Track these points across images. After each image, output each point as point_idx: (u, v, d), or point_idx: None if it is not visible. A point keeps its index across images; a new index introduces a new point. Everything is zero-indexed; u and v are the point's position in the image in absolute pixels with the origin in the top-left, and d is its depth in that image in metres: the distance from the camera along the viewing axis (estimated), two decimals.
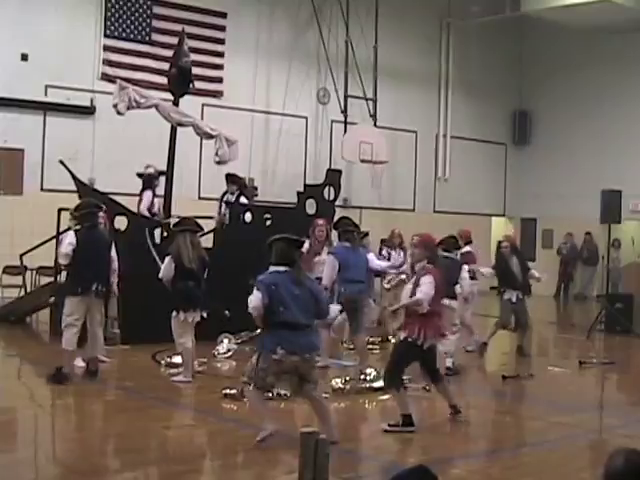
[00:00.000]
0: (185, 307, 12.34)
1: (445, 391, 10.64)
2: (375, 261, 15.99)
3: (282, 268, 8.87)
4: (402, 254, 17.59)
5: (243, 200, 17.42)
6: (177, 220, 13.57)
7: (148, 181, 16.87)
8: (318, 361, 9.60)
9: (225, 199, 17.46)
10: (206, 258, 12.68)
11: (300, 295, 8.79)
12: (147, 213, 16.73)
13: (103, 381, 12.49)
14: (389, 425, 9.87)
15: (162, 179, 17.15)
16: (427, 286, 9.86)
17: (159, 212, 16.92)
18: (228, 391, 11.23)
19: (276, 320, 8.72)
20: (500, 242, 16.45)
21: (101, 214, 13.12)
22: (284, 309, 8.70)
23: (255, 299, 8.74)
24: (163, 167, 17.05)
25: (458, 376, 13.71)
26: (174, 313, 12.35)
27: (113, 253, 12.58)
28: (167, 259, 12.48)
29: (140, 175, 16.99)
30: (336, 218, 15.24)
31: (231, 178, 17.51)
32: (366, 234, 16.75)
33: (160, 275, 12.49)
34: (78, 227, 12.32)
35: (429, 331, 9.88)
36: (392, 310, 11.53)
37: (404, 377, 12.37)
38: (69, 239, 12.20)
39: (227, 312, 13.70)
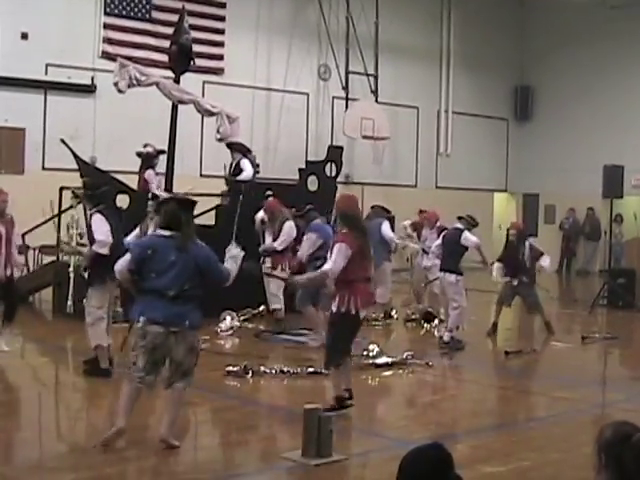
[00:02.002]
0: None
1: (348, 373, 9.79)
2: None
3: (167, 232, 8.06)
4: None
5: (246, 165, 17.10)
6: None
7: (147, 160, 16.75)
8: (196, 342, 8.18)
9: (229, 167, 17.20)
10: None
11: (177, 263, 7.90)
12: (160, 192, 16.47)
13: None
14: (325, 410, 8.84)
15: (162, 157, 17.09)
16: (334, 256, 9.17)
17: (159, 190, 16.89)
18: (231, 368, 11.26)
19: (146, 287, 7.98)
20: (508, 230, 16.43)
21: None
22: (156, 276, 7.91)
23: (121, 263, 8.19)
24: (165, 145, 17.01)
25: (460, 352, 13.75)
26: None
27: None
28: None
29: (139, 154, 16.90)
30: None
31: (233, 146, 17.24)
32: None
33: None
34: (99, 207, 11.32)
35: (360, 299, 9.25)
36: (297, 282, 10.94)
37: (409, 353, 12.47)
38: (106, 226, 11.20)
39: None
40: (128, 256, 8.13)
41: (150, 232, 12.09)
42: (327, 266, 9.28)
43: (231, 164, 17.24)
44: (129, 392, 8.09)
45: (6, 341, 12.48)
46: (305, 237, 13.85)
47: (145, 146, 16.90)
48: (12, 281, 12.71)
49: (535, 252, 15.73)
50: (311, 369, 11.39)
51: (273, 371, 11.32)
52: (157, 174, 16.91)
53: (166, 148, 17.01)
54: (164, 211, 8.26)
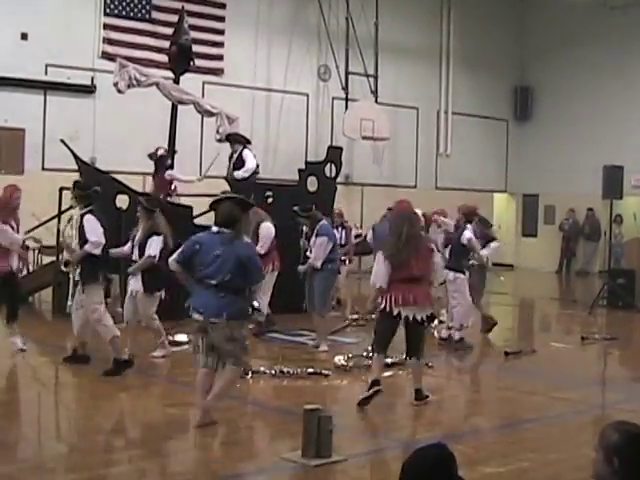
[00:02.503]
0: (166, 286, 12.14)
1: (414, 371, 10.37)
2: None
3: (215, 229, 8.85)
4: (344, 233, 17.56)
5: (248, 156, 17.03)
6: (146, 198, 13.12)
7: (161, 162, 16.73)
8: (235, 332, 8.76)
9: (232, 160, 17.15)
10: None
11: (221, 256, 8.65)
12: (192, 178, 16.57)
13: (104, 360, 12.50)
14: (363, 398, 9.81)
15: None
16: (376, 266, 10.12)
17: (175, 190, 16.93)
18: None
19: (196, 277, 8.80)
20: None
21: None
22: (203, 268, 8.70)
23: (173, 256, 9.04)
24: (165, 145, 17.01)
25: (462, 352, 13.70)
26: (157, 292, 12.19)
27: None
28: (159, 238, 12.14)
29: (151, 157, 16.84)
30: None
31: (233, 138, 17.18)
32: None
33: (154, 254, 12.02)
34: (90, 207, 11.44)
35: (397, 299, 9.86)
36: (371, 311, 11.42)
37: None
38: (99, 226, 11.31)
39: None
40: (179, 250, 9.00)
41: (138, 235, 12.19)
42: (373, 280, 10.10)
43: (231, 155, 17.16)
44: (199, 376, 8.92)
45: (21, 340, 12.54)
46: (317, 241, 13.70)
47: (157, 149, 16.88)
48: (16, 280, 12.81)
49: (486, 237, 15.46)
50: (311, 369, 11.39)
51: (273, 371, 11.32)
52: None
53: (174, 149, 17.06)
54: (220, 209, 8.92)
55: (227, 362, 8.80)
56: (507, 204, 32.95)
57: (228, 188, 17.20)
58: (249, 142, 17.39)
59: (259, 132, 25.21)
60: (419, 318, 9.97)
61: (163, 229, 12.17)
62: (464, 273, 14.13)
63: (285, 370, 11.37)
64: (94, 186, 11.91)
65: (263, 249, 14.33)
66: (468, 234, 14.24)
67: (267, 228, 14.42)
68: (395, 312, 9.88)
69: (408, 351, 10.27)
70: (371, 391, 9.77)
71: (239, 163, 16.87)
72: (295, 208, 14.18)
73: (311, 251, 13.69)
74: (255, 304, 9.56)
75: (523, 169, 32.08)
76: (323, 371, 11.44)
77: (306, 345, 13.81)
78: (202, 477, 7.58)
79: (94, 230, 11.24)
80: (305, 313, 14.24)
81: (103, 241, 11.26)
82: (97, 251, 11.21)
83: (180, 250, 8.97)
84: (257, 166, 17.17)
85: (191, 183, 17.08)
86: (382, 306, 9.96)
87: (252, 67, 25.61)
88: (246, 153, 16.94)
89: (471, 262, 14.79)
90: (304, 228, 14.57)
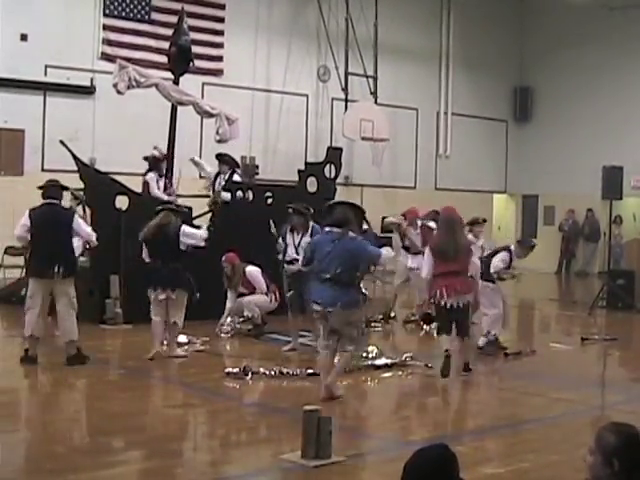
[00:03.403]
0: (151, 285, 12.36)
1: (462, 347, 11.42)
2: None
3: (328, 229, 10.13)
4: None
5: (237, 179, 17.19)
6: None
7: (153, 163, 16.72)
8: (352, 317, 10.07)
9: (218, 180, 17.22)
10: (175, 237, 12.41)
11: (331, 252, 9.84)
12: (163, 195, 16.41)
13: (105, 361, 12.51)
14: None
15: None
16: (423, 261, 11.75)
17: (174, 194, 16.84)
18: (230, 370, 11.25)
19: (314, 272, 10.08)
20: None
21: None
22: (318, 264, 9.95)
23: (300, 262, 10.70)
24: (164, 146, 17.00)
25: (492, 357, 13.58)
26: (148, 292, 12.47)
27: (79, 227, 11.93)
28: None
29: (146, 158, 16.84)
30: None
31: (223, 158, 17.25)
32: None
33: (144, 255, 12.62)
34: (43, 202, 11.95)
35: (442, 292, 11.14)
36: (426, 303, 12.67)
37: (409, 355, 12.48)
38: (23, 220, 11.67)
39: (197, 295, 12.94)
40: (302, 256, 10.67)
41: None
42: (423, 273, 11.69)
43: (217, 174, 17.16)
44: (321, 361, 10.39)
45: None
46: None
47: (154, 148, 16.87)
48: None
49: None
50: (310, 370, 11.36)
51: (272, 372, 11.30)
52: (161, 176, 16.80)
53: (166, 150, 17.00)
54: (334, 212, 10.22)
55: (345, 344, 10.04)
56: (507, 205, 32.95)
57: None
58: (238, 166, 17.53)
59: (259, 133, 25.25)
60: (460, 304, 11.17)
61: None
62: (494, 282, 13.82)
63: (284, 371, 11.36)
64: (53, 181, 12.15)
65: (263, 289, 14.44)
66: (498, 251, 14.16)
67: (254, 271, 14.46)
68: (442, 303, 11.17)
69: (457, 332, 11.31)
70: (446, 360, 11.39)
71: (228, 185, 16.88)
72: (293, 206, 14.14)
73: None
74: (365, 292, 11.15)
75: (523, 170, 32.09)
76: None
77: (311, 346, 13.63)
78: (202, 478, 7.58)
79: (18, 224, 11.82)
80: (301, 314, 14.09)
81: (20, 235, 11.77)
82: (18, 243, 12.21)
83: (302, 256, 10.57)
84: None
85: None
86: (432, 299, 11.32)
87: (252, 68, 25.61)
88: (236, 179, 17.07)
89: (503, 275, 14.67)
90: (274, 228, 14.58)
